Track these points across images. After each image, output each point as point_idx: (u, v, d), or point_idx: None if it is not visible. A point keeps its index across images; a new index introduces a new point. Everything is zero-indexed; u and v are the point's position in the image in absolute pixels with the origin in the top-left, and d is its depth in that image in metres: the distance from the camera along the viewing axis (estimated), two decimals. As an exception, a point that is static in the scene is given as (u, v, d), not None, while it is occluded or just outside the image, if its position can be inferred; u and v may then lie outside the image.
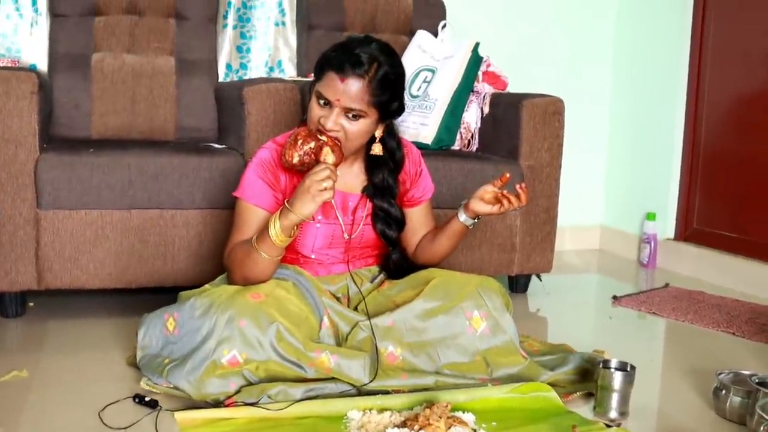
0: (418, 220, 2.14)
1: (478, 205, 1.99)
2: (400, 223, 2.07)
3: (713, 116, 3.44)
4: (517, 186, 1.96)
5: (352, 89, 1.83)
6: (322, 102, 1.86)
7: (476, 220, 2.04)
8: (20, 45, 2.97)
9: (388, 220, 2.04)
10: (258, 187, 1.93)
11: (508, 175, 1.97)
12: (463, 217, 2.03)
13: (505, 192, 1.96)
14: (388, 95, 1.88)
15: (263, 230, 1.82)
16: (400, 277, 2.06)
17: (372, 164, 2.02)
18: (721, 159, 3.40)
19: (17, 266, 2.31)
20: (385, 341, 1.88)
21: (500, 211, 1.97)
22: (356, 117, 1.86)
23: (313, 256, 2.02)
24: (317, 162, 1.80)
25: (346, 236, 2.02)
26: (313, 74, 1.93)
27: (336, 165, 1.80)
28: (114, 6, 2.91)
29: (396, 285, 2.02)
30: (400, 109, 1.96)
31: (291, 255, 2.02)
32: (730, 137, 3.35)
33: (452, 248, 2.11)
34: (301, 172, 1.83)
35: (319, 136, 1.81)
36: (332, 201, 1.90)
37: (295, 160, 1.81)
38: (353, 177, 2.03)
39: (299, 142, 1.80)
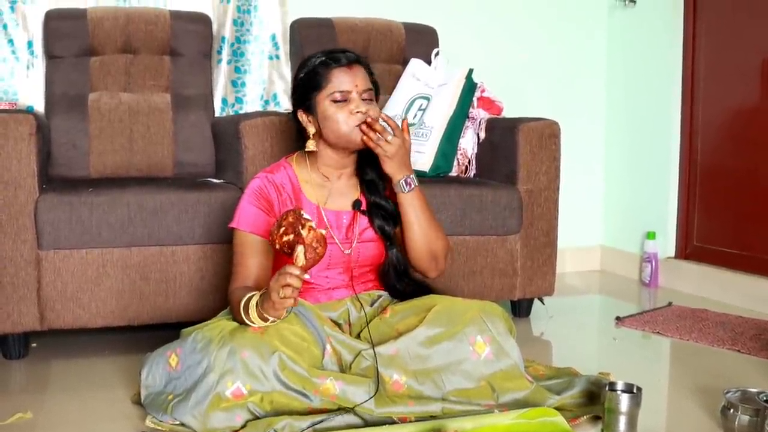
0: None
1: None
2: (395, 216, 2.08)
3: (709, 132, 3.45)
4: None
5: (360, 72, 1.99)
6: (339, 101, 1.95)
7: (406, 180, 1.99)
8: (17, 87, 2.99)
9: (384, 214, 2.07)
10: (252, 213, 1.97)
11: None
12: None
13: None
14: (375, 77, 2.05)
15: (247, 306, 1.81)
16: (400, 286, 2.08)
17: (362, 164, 2.08)
18: (718, 175, 3.41)
19: (19, 307, 2.31)
20: (389, 369, 1.88)
21: (371, 144, 1.94)
22: (370, 100, 1.98)
23: (312, 280, 2.03)
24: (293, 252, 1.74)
25: (347, 252, 2.03)
26: (299, 100, 2.02)
27: (307, 268, 1.73)
28: (109, 46, 2.94)
29: (398, 313, 2.02)
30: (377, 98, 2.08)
31: None
32: (727, 152, 3.37)
33: (421, 225, 2.03)
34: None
35: (300, 229, 1.72)
36: (325, 220, 2.00)
37: (276, 246, 1.77)
38: (343, 195, 2.07)
39: (281, 230, 1.75)
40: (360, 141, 1.97)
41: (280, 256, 1.98)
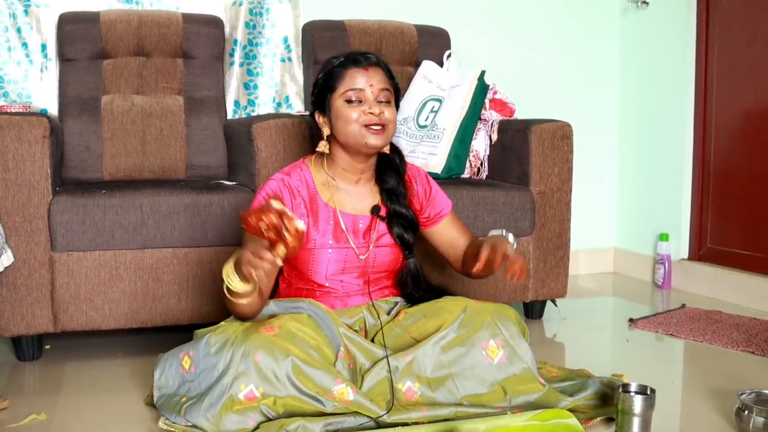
0: (449, 235, 2.18)
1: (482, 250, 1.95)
2: (415, 225, 2.10)
3: (722, 133, 3.44)
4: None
5: (377, 74, 1.98)
6: (353, 101, 1.95)
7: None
8: (31, 90, 3.01)
9: (404, 223, 2.07)
10: None
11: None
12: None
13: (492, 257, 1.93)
14: (396, 83, 2.05)
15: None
16: (418, 293, 2.08)
17: (381, 171, 2.08)
18: (732, 176, 3.39)
19: (33, 309, 2.32)
20: (403, 378, 1.87)
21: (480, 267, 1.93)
22: (387, 102, 1.98)
23: (327, 284, 2.03)
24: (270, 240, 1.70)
25: (361, 257, 2.03)
26: (316, 101, 2.04)
27: (284, 258, 1.69)
28: (122, 48, 2.95)
29: (411, 315, 2.01)
30: (398, 105, 2.08)
31: (306, 286, 2.05)
32: (740, 154, 3.35)
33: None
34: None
35: (285, 232, 1.66)
36: (342, 223, 2.01)
37: (255, 230, 1.69)
38: (361, 199, 2.07)
39: (263, 226, 1.66)
40: (367, 142, 1.96)
41: (293, 258, 2.00)
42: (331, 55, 3.08)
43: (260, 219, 1.66)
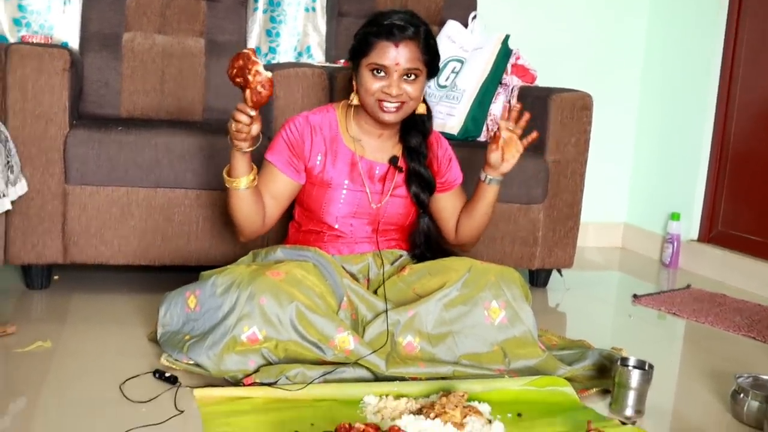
0: (453, 205, 2.21)
1: (489, 155, 2.07)
2: (432, 186, 2.13)
3: (743, 117, 3.40)
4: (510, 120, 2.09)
5: (407, 51, 1.95)
6: (377, 72, 1.95)
7: (499, 177, 2.10)
8: (53, 22, 2.99)
9: (422, 182, 2.10)
10: (278, 146, 2.05)
11: (517, 106, 2.09)
12: (482, 175, 2.10)
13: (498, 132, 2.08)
14: (433, 53, 2.01)
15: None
16: (429, 253, 2.11)
17: (408, 128, 2.10)
18: (749, 161, 3.36)
19: (44, 239, 2.34)
20: (404, 332, 1.89)
21: (502, 152, 2.07)
22: (414, 77, 1.97)
23: (337, 226, 2.07)
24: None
25: (373, 205, 2.07)
26: (350, 56, 2.04)
27: (255, 107, 1.77)
28: (147, -14, 2.94)
29: (416, 272, 2.03)
30: (438, 68, 2.07)
31: (316, 228, 2.09)
32: (760, 138, 3.32)
33: (490, 215, 2.18)
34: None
35: (247, 74, 1.75)
36: (359, 167, 2.05)
37: (233, 83, 1.81)
38: (381, 151, 2.10)
39: (234, 71, 1.77)
40: (379, 117, 1.99)
41: (307, 197, 2.08)
42: (357, 8, 3.11)
43: (233, 66, 1.77)
